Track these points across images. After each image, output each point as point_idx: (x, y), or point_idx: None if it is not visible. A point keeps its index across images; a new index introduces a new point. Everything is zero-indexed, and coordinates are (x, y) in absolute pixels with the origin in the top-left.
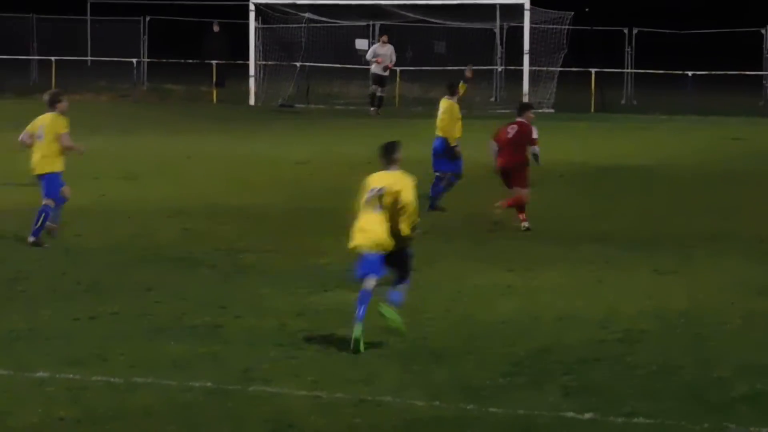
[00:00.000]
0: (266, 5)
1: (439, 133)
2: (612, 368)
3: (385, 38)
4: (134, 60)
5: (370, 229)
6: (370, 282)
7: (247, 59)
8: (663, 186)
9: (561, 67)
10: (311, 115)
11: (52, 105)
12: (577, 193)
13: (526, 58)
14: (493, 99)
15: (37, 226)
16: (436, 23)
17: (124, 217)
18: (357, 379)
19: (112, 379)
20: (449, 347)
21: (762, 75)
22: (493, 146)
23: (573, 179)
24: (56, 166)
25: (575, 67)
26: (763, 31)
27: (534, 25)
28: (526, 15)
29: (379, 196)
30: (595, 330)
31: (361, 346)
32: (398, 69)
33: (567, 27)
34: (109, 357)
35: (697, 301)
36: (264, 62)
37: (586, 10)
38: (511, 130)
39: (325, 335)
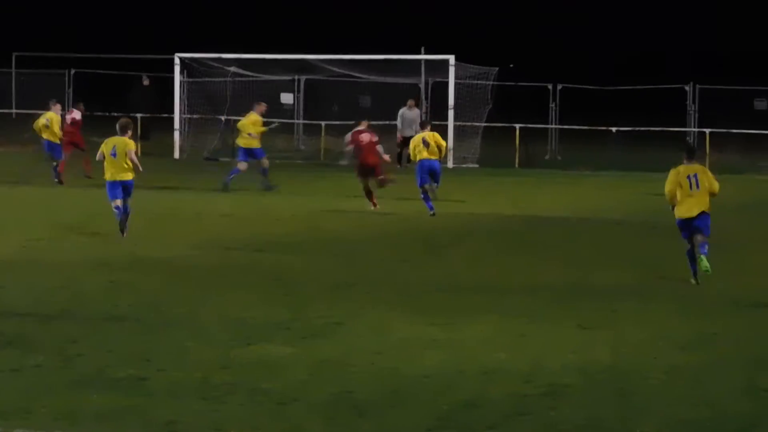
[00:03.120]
0: (192, 59)
1: None
2: (536, 423)
3: (411, 102)
4: (60, 113)
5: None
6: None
7: (172, 112)
8: (588, 240)
9: (486, 122)
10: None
11: (123, 131)
12: (502, 246)
13: (450, 113)
14: None
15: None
16: (361, 78)
17: (48, 269)
18: None
19: None
20: (374, 400)
21: (685, 131)
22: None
23: (498, 233)
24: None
25: (500, 122)
26: (686, 88)
27: (459, 81)
28: (451, 70)
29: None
30: (519, 384)
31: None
32: (323, 123)
33: (492, 82)
34: (32, 409)
35: (621, 355)
36: (189, 116)
37: (511, 66)
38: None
39: (250, 388)
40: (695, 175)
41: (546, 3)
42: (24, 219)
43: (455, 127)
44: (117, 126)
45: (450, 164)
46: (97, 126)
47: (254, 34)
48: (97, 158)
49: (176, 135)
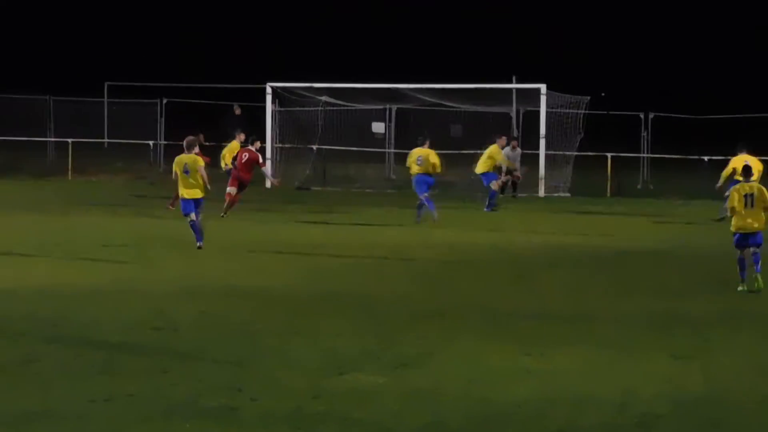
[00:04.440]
0: (283, 89)
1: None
2: None
3: (515, 143)
4: (151, 142)
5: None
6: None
7: (264, 142)
8: (679, 269)
9: (577, 151)
10: (328, 198)
11: (189, 149)
12: (594, 275)
13: (542, 142)
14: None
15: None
16: (452, 107)
17: (139, 298)
18: None
19: None
20: (466, 430)
21: None
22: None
23: (589, 262)
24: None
25: (591, 151)
26: None
27: (550, 110)
28: (543, 99)
29: (752, 197)
30: (611, 414)
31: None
32: None
33: (583, 111)
34: None
35: (713, 384)
36: (281, 145)
37: (603, 94)
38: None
39: (341, 418)
40: (751, 195)
41: (638, 33)
42: (115, 248)
43: (546, 156)
44: (184, 144)
45: (541, 193)
46: None
47: (345, 63)
48: (173, 177)
49: (268, 164)
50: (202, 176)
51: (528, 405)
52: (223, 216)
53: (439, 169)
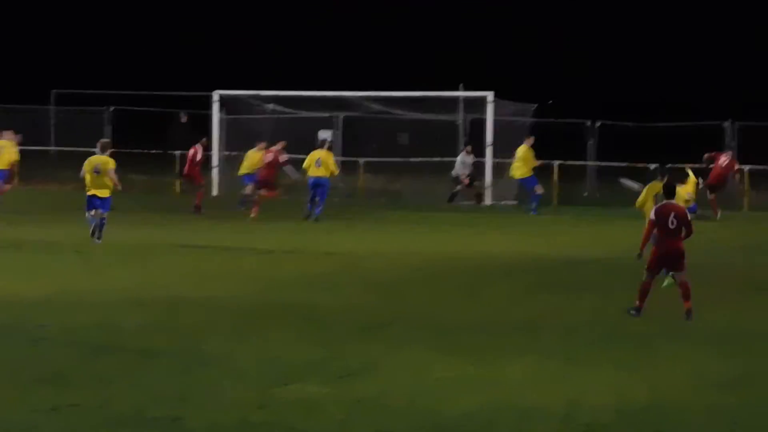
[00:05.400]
0: (230, 96)
1: None
2: None
3: (469, 148)
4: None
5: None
6: None
7: (210, 150)
8: (624, 279)
9: None
10: (274, 206)
11: (103, 150)
12: (539, 285)
13: (488, 150)
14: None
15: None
16: (399, 115)
17: (86, 307)
18: None
19: None
20: None
21: None
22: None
23: (535, 271)
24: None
25: (538, 159)
26: (724, 125)
27: (497, 117)
28: (489, 107)
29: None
30: (557, 424)
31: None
32: (362, 160)
33: (530, 119)
34: None
35: (659, 395)
36: (228, 152)
37: (549, 102)
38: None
39: (287, 428)
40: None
41: (583, 40)
42: (61, 257)
43: (493, 164)
44: (98, 145)
45: (489, 201)
46: (136, 163)
47: (293, 71)
48: (81, 175)
49: (214, 172)
50: (111, 177)
51: (474, 416)
52: (252, 216)
53: (335, 173)
